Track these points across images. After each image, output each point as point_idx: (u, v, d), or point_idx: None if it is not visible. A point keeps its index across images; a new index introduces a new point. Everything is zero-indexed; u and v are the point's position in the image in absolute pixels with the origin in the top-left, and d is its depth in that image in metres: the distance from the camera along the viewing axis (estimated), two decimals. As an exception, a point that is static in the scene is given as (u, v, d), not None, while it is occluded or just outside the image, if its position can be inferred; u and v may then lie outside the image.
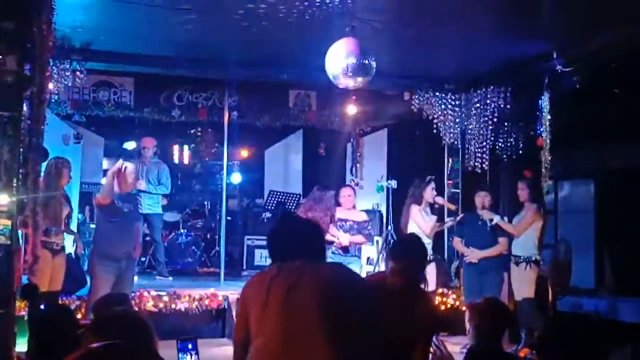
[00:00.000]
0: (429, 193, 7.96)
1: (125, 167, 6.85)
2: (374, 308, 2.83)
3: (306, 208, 7.86)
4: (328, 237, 7.66)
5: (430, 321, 3.80)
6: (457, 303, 8.57)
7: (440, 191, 8.99)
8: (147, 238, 10.02)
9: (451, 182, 9.68)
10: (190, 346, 3.09)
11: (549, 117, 8.01)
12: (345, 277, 2.95)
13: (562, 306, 7.87)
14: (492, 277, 7.69)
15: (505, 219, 7.99)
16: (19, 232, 5.66)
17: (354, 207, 8.07)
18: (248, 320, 2.79)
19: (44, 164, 6.55)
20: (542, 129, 8.11)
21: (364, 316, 2.74)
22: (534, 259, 7.59)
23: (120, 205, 6.85)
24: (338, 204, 7.82)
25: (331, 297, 2.73)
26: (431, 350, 4.06)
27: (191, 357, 3.07)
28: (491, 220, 7.74)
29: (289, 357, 2.65)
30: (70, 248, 7.59)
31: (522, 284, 7.60)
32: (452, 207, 8.09)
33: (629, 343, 5.09)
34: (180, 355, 3.08)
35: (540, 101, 8.10)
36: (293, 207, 10.62)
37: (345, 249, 7.69)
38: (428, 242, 7.86)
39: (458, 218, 8.54)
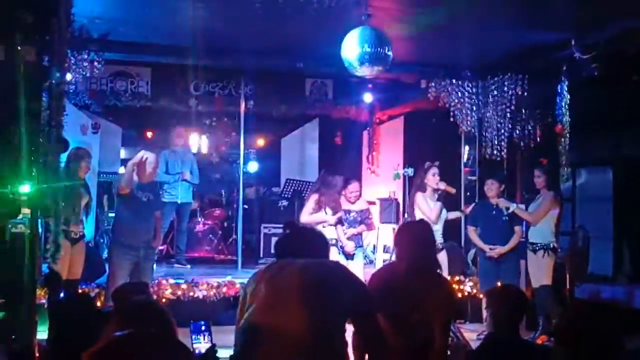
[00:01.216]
0: (431, 179, 7.80)
1: (146, 158, 6.90)
2: (346, 287, 3.24)
3: (318, 193, 7.87)
4: (335, 235, 7.68)
5: (444, 304, 3.84)
6: (474, 291, 8.58)
7: (456, 179, 8.98)
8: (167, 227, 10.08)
9: (467, 169, 9.66)
10: (203, 327, 3.12)
11: (567, 104, 7.96)
12: (329, 264, 3.48)
13: (580, 293, 7.86)
14: (508, 265, 7.70)
15: (522, 206, 7.97)
16: (39, 221, 5.72)
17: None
18: (245, 304, 3.22)
19: (65, 154, 6.63)
20: (560, 117, 8.06)
21: (338, 296, 3.16)
22: (551, 246, 7.57)
23: (140, 195, 6.90)
24: (341, 195, 7.79)
25: (311, 277, 3.19)
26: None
27: (204, 339, 3.10)
28: (507, 208, 7.73)
29: (272, 319, 3.06)
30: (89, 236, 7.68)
31: (540, 271, 7.59)
32: (452, 190, 8.01)
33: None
34: (193, 336, 3.11)
35: (558, 89, 8.06)
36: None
37: (348, 255, 7.68)
38: (436, 229, 7.86)
39: (470, 207, 8.51)
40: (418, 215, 7.78)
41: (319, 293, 3.14)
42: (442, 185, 7.79)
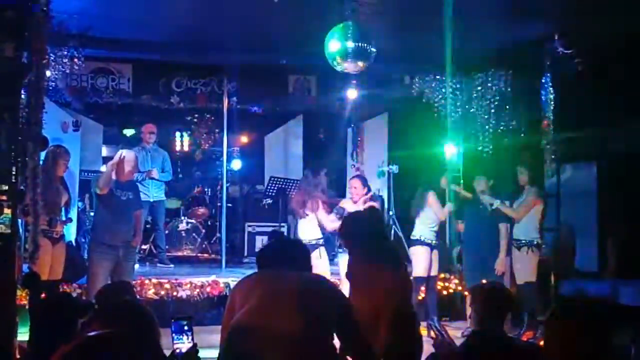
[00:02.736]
0: (444, 181, 8.16)
1: (124, 157, 6.86)
2: (333, 302, 3.35)
3: (304, 193, 7.84)
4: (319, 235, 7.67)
5: (385, 294, 3.85)
6: (459, 288, 8.57)
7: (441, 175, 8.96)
8: (148, 226, 9.99)
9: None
10: (186, 327, 3.05)
11: (551, 100, 7.96)
12: (317, 278, 3.69)
13: (565, 289, 7.86)
14: (493, 261, 7.70)
15: (507, 202, 7.97)
16: (19, 220, 5.64)
17: (369, 197, 7.83)
18: (234, 309, 3.28)
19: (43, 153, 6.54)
20: (544, 112, 8.06)
21: (324, 306, 3.28)
22: (535, 242, 7.58)
23: (118, 194, 6.86)
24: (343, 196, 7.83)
25: (307, 287, 3.33)
26: (432, 335, 4.04)
27: (188, 338, 3.03)
28: (491, 205, 7.74)
29: (265, 321, 3.14)
30: (71, 236, 7.59)
31: (524, 268, 7.60)
32: (469, 195, 8.13)
33: (630, 325, 5.07)
34: (175, 336, 3.03)
35: (542, 84, 8.05)
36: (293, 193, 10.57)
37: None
38: (436, 229, 7.88)
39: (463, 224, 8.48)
40: (428, 212, 7.83)
41: (313, 302, 3.24)
42: (455, 187, 7.93)
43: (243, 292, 3.33)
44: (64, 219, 7.12)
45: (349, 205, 7.75)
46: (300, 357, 3.12)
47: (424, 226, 7.85)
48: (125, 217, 6.93)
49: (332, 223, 7.59)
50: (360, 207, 7.54)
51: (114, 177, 6.85)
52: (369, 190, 7.95)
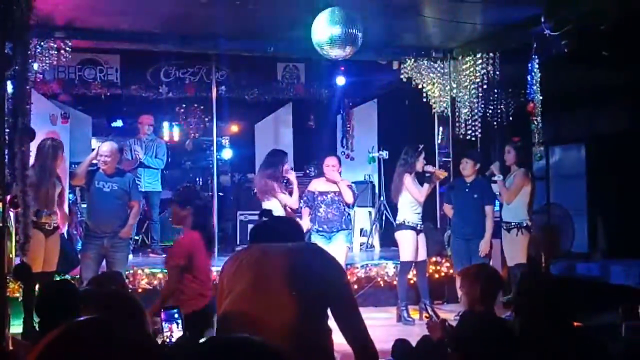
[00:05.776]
0: (421, 162, 7.86)
1: (99, 150, 7.02)
2: (329, 276, 3.11)
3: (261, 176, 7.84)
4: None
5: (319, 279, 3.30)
6: (451, 271, 8.60)
7: (430, 159, 8.98)
8: (141, 216, 9.96)
9: (442, 150, 9.66)
10: (176, 315, 3.07)
11: (539, 82, 7.96)
12: (313, 248, 3.43)
13: (555, 270, 7.91)
14: (478, 243, 7.70)
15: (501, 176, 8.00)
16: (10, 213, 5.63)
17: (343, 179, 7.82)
18: (223, 290, 3.11)
19: (36, 144, 6.56)
20: (532, 95, 8.06)
21: (318, 280, 3.06)
22: (524, 224, 7.60)
23: (101, 186, 6.99)
24: (321, 175, 7.74)
25: (296, 261, 3.11)
26: (425, 315, 4.09)
27: (177, 326, 3.05)
28: (493, 175, 7.78)
29: (256, 304, 2.97)
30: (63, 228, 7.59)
31: (514, 250, 7.62)
32: (444, 174, 8.12)
33: (620, 304, 5.11)
34: (165, 324, 3.04)
35: (529, 67, 8.05)
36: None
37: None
38: (419, 212, 7.83)
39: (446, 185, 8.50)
40: (406, 196, 7.75)
41: (304, 277, 3.07)
42: (431, 168, 7.84)
43: (231, 272, 3.18)
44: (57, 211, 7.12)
45: (320, 184, 7.71)
46: (293, 341, 2.94)
47: (407, 210, 7.76)
48: (109, 208, 7.04)
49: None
50: (340, 187, 7.53)
51: (86, 170, 7.10)
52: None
